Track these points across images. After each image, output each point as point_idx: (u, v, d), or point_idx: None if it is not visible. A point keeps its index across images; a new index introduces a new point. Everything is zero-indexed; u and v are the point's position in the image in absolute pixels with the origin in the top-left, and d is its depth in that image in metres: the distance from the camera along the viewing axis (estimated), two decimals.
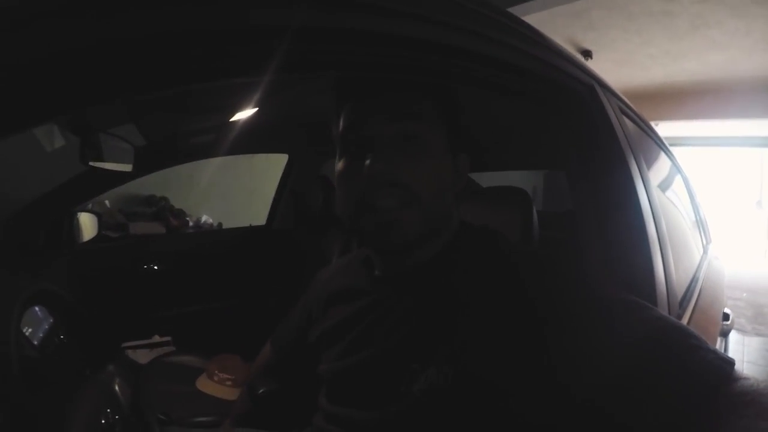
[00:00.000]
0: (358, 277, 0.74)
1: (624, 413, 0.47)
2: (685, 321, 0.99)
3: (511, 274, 0.58)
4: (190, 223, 3.46)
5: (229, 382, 1.42)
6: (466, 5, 0.56)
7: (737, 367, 0.47)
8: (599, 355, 0.48)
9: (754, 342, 3.77)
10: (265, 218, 2.26)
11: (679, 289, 1.02)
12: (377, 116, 0.61)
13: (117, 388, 0.66)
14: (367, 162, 0.58)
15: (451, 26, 0.53)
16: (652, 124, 1.39)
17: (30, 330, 0.73)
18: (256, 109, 1.32)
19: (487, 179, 1.52)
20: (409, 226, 0.59)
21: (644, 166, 0.95)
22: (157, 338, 1.76)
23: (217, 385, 1.42)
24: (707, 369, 0.45)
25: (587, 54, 4.16)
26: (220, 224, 3.63)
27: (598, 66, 4.11)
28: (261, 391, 1.23)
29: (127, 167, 1.20)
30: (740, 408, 0.41)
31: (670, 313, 0.85)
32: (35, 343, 0.72)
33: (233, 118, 1.41)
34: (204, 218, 3.59)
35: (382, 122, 0.60)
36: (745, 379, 0.45)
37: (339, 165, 0.64)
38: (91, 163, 1.01)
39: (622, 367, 0.47)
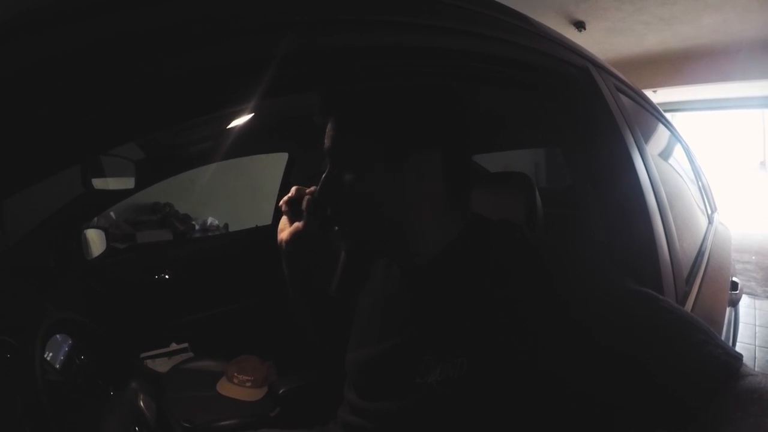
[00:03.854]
0: (380, 269, 0.78)
1: (631, 407, 0.48)
2: (692, 296, 1.00)
3: (526, 267, 0.58)
4: (196, 227, 3.47)
5: (248, 384, 1.45)
6: (450, 3, 0.55)
7: (750, 347, 0.47)
8: (606, 349, 0.49)
9: (765, 305, 3.76)
10: (271, 217, 2.27)
11: (685, 264, 1.03)
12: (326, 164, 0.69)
13: (142, 403, 0.67)
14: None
15: (437, 28, 0.53)
16: (650, 91, 1.38)
17: (51, 355, 0.75)
18: (253, 114, 1.32)
19: (489, 158, 1.53)
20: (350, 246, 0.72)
21: (642, 143, 0.94)
22: (174, 346, 1.78)
23: (237, 387, 1.44)
24: (714, 365, 0.45)
25: (580, 25, 4.10)
26: (226, 225, 3.64)
27: (591, 36, 4.11)
28: (282, 391, 1.26)
29: (129, 184, 1.21)
30: (747, 405, 0.41)
31: (676, 291, 0.86)
32: (57, 367, 0.74)
33: (230, 125, 1.41)
34: (210, 220, 3.59)
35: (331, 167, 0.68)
36: (753, 375, 0.44)
37: None
38: (94, 186, 1.02)
39: (627, 361, 0.47)
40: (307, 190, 0.80)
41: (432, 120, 0.64)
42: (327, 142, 0.66)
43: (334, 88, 0.65)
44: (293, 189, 0.81)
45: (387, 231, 0.65)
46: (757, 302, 3.81)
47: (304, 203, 0.76)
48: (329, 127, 0.66)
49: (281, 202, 0.81)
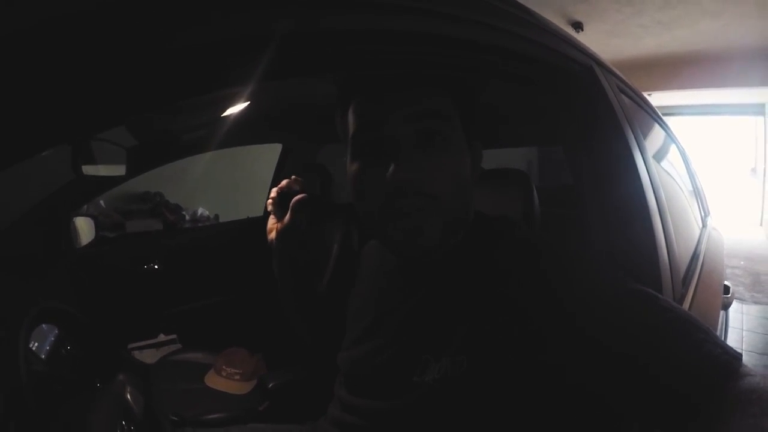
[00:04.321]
0: (375, 265, 0.76)
1: (630, 406, 0.48)
2: (688, 298, 1.00)
3: (527, 265, 0.57)
4: (187, 217, 3.44)
5: (237, 376, 1.44)
6: None
7: (743, 355, 0.47)
8: (606, 347, 0.48)
9: (753, 310, 3.79)
10: (262, 209, 2.25)
11: (682, 266, 1.03)
12: (395, 115, 0.57)
13: (129, 396, 0.66)
14: (391, 168, 0.56)
15: (445, 16, 0.51)
16: (645, 94, 1.38)
17: (37, 345, 0.73)
18: (247, 102, 1.29)
19: (484, 155, 1.52)
20: (436, 233, 0.58)
21: (643, 144, 0.94)
22: (162, 337, 1.76)
23: (225, 380, 1.43)
24: (714, 364, 0.45)
25: (578, 26, 4.12)
26: (216, 216, 3.61)
27: (589, 38, 4.13)
28: (271, 385, 1.25)
29: (120, 171, 1.19)
30: (746, 405, 0.41)
31: (673, 292, 0.86)
32: (43, 357, 0.73)
33: (224, 113, 1.38)
34: (200, 211, 3.56)
35: (401, 122, 0.57)
36: (752, 375, 0.44)
37: (354, 167, 0.60)
38: (84, 172, 0.99)
39: (627, 360, 0.47)
40: (282, 184, 0.78)
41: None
42: (379, 112, 0.58)
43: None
44: (280, 185, 0.79)
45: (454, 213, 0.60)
46: (745, 307, 3.84)
47: (292, 202, 0.74)
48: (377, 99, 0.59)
49: (268, 203, 0.79)
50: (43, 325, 0.76)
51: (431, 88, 0.59)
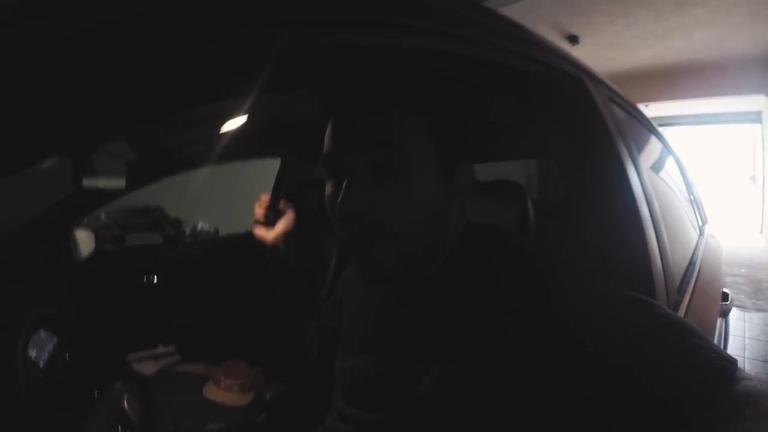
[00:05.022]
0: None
1: (625, 411, 0.48)
2: (684, 305, 1.00)
3: (520, 272, 0.57)
4: (187, 231, 3.44)
5: (235, 388, 1.43)
6: (445, 6, 0.55)
7: (739, 359, 0.47)
8: (600, 354, 0.48)
9: (755, 317, 3.78)
10: None
11: (677, 273, 1.03)
12: (350, 144, 0.57)
13: (126, 405, 0.66)
14: (339, 197, 0.56)
15: (429, 31, 0.52)
16: (642, 105, 1.39)
17: (35, 352, 0.73)
18: (244, 117, 1.31)
19: (482, 168, 1.52)
20: (389, 264, 0.58)
21: (635, 154, 0.95)
22: (161, 348, 1.75)
23: (224, 392, 1.42)
24: (709, 369, 0.45)
25: (574, 39, 4.16)
26: (216, 230, 3.61)
27: (584, 50, 4.17)
28: (269, 396, 1.25)
29: (120, 184, 1.20)
30: (743, 409, 0.41)
31: (668, 299, 0.86)
32: (41, 365, 0.73)
33: (222, 128, 1.40)
34: (200, 225, 3.57)
35: (354, 151, 0.57)
36: (748, 379, 0.44)
37: (326, 189, 0.61)
38: (84, 185, 1.00)
39: (622, 366, 0.47)
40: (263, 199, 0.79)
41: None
42: (347, 132, 0.58)
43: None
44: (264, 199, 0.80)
45: (419, 236, 0.59)
46: (747, 315, 3.82)
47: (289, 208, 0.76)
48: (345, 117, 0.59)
49: (258, 216, 0.79)
50: (42, 333, 0.76)
51: (398, 112, 0.57)
